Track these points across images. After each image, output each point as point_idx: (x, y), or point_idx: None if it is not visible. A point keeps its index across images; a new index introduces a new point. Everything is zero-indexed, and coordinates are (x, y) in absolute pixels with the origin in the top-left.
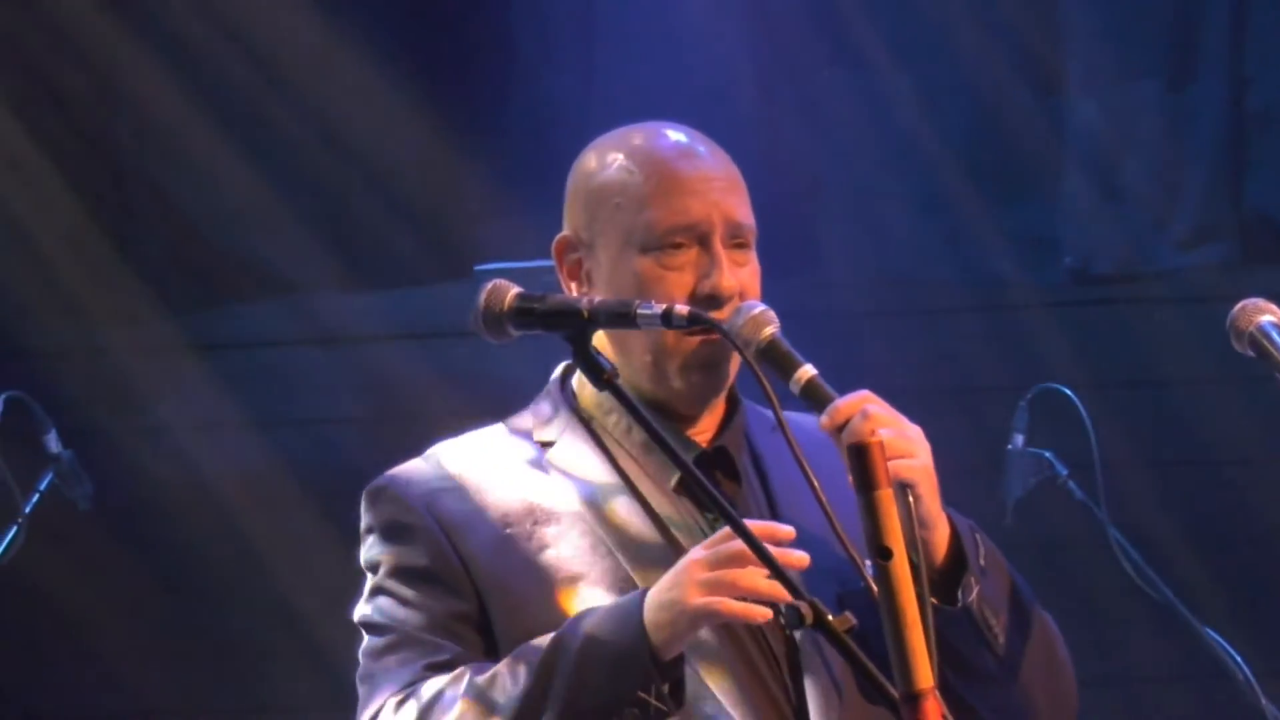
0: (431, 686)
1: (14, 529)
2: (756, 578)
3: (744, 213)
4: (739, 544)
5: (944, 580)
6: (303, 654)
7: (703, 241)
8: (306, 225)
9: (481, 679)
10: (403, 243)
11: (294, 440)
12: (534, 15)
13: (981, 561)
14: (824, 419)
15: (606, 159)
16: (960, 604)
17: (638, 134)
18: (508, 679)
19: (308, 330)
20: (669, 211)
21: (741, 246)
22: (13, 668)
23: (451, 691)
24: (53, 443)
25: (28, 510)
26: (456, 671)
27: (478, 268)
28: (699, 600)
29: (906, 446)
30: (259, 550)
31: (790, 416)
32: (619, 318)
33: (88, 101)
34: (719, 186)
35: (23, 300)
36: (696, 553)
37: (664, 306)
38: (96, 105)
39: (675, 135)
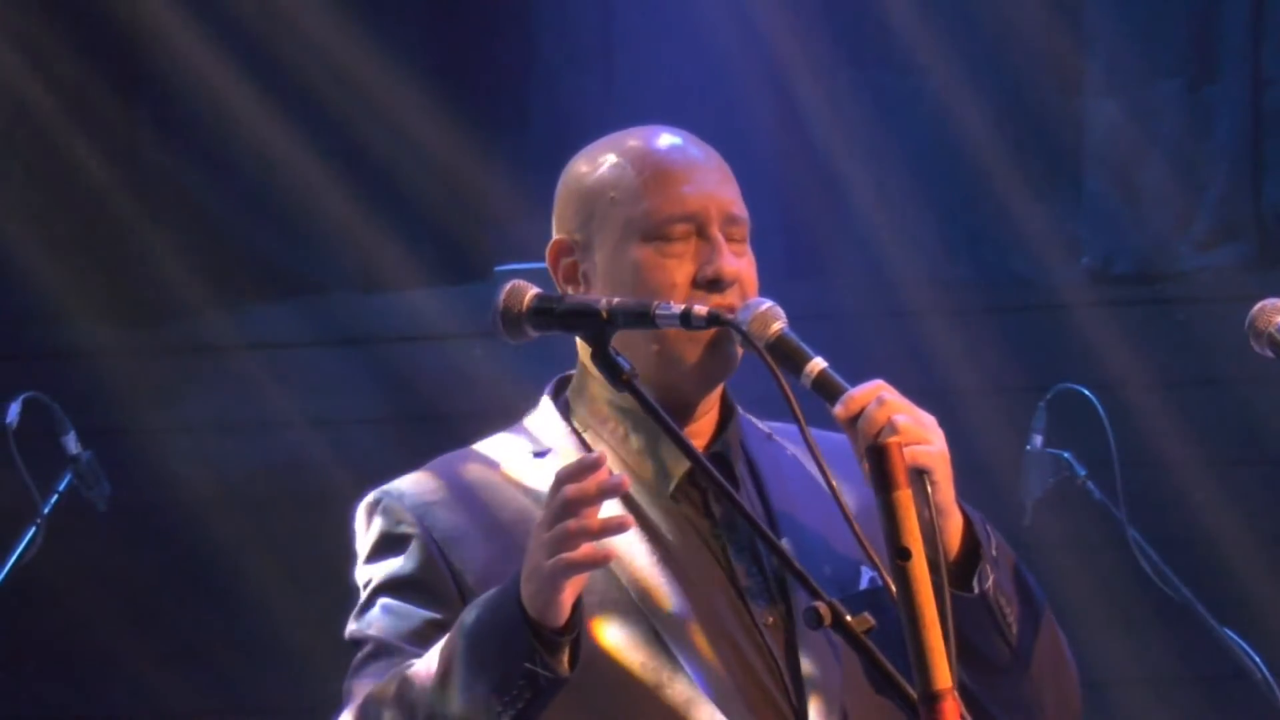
0: (378, 691)
1: (32, 529)
2: (583, 521)
3: (739, 205)
4: (562, 495)
5: (958, 570)
6: (321, 655)
7: (700, 231)
8: (326, 226)
9: (408, 674)
10: (423, 243)
11: (313, 441)
12: (555, 17)
13: (994, 552)
14: (838, 408)
15: (598, 160)
16: (977, 591)
17: (628, 136)
18: (423, 671)
19: (328, 331)
20: (665, 200)
21: (737, 240)
22: (30, 668)
23: (387, 692)
24: (71, 443)
25: (46, 511)
26: (395, 670)
27: (498, 268)
28: (547, 562)
29: (922, 433)
30: (277, 551)
31: (787, 429)
32: (638, 318)
33: (109, 103)
34: (713, 178)
35: (42, 301)
36: (538, 517)
37: (682, 307)
38: (118, 107)
39: (666, 134)
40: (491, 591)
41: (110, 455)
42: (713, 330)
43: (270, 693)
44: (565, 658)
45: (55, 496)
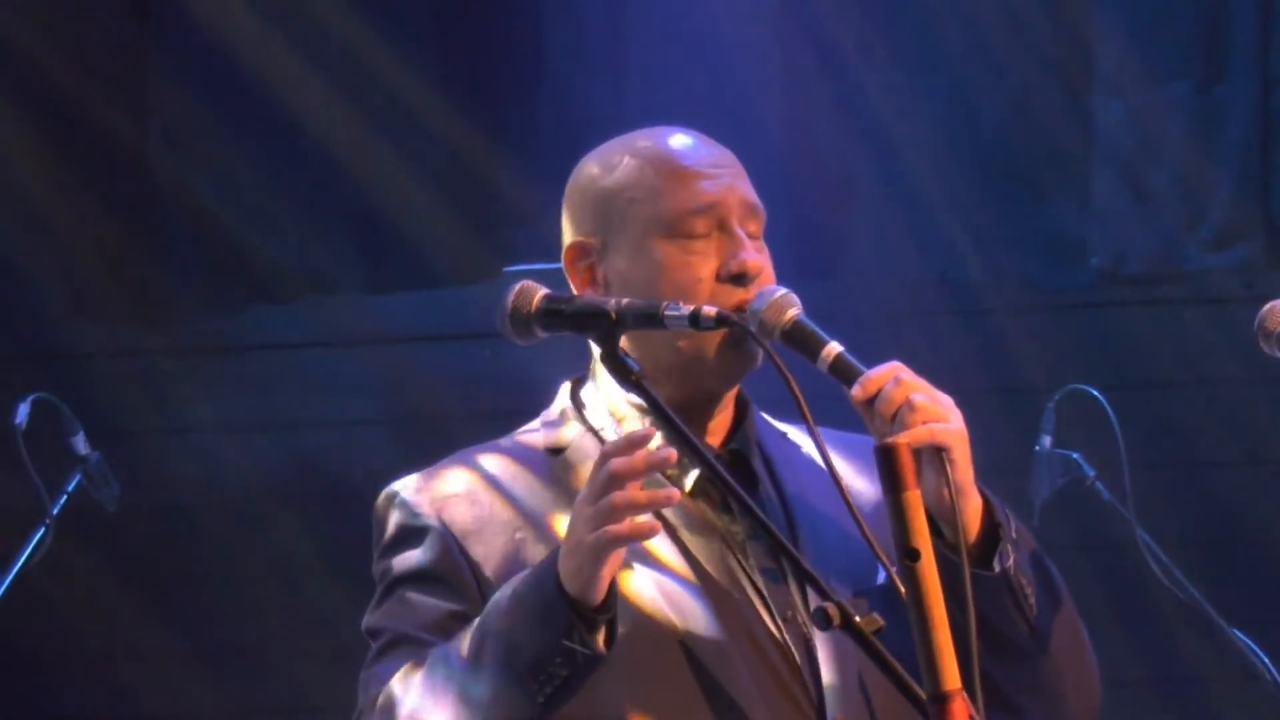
0: (405, 674)
1: (41, 530)
2: (630, 494)
3: (755, 197)
4: (606, 470)
5: (978, 551)
6: (329, 655)
7: (721, 225)
8: (336, 227)
9: (437, 655)
10: (432, 244)
11: (322, 441)
12: (564, 19)
13: (1014, 534)
14: (856, 390)
15: (611, 162)
16: (998, 570)
17: (639, 137)
18: (456, 650)
19: (337, 332)
20: (686, 196)
21: (754, 235)
22: (39, 668)
23: (415, 674)
24: (80, 444)
25: (55, 511)
26: (422, 653)
27: (506, 269)
28: (590, 536)
29: (940, 411)
30: (285, 551)
31: (802, 429)
32: (647, 319)
33: (118, 104)
34: (729, 173)
35: (51, 303)
36: (581, 492)
37: (691, 308)
38: (127, 108)
39: (678, 133)
40: (525, 571)
41: (119, 456)
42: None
43: (280, 692)
44: (602, 636)
45: (64, 497)
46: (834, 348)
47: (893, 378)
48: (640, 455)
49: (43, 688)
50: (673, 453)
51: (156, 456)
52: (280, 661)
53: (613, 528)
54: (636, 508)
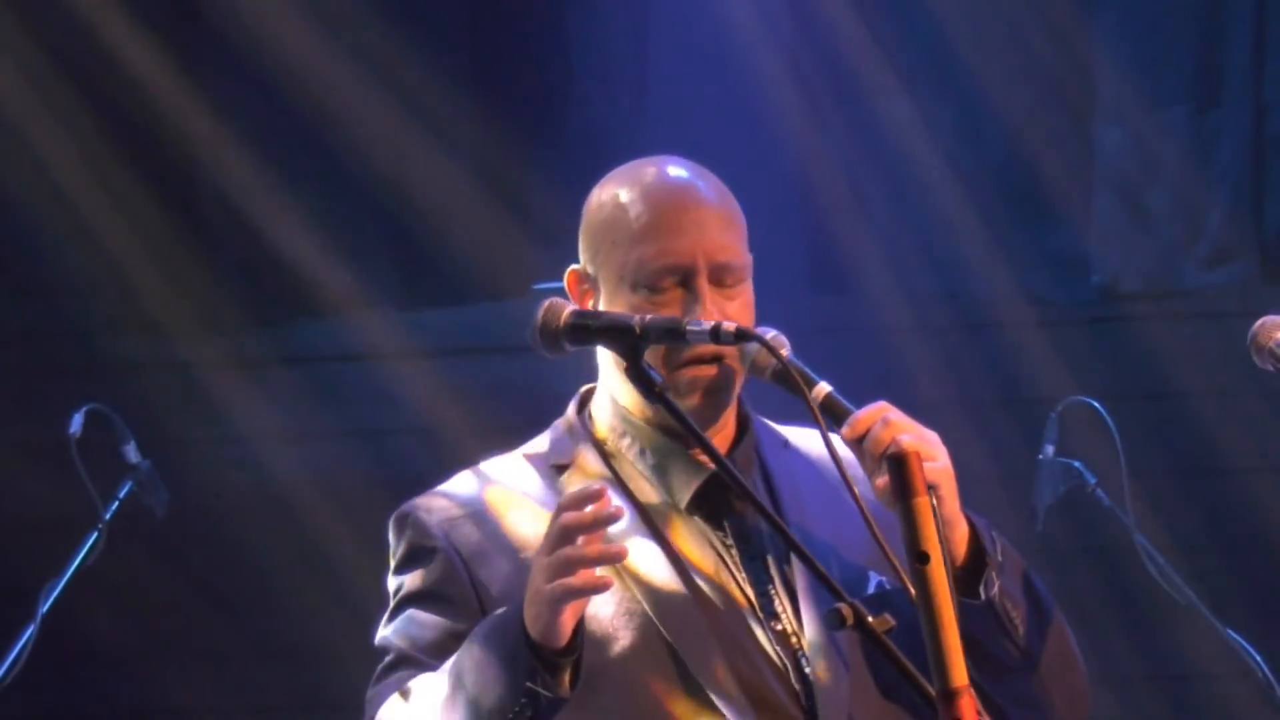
0: (391, 707)
1: (95, 535)
2: (581, 548)
3: (731, 253)
4: (560, 523)
5: (965, 577)
6: (363, 656)
7: (686, 281)
8: (373, 245)
9: (420, 690)
10: (464, 262)
11: (361, 450)
12: (590, 41)
13: (999, 558)
14: (845, 430)
15: (610, 194)
16: (984, 597)
17: (644, 169)
18: (433, 687)
19: (374, 344)
20: (655, 252)
21: (729, 284)
22: (92, 668)
23: (399, 709)
24: (131, 453)
25: (108, 517)
26: (409, 685)
27: (535, 286)
28: (546, 588)
29: (927, 450)
30: (328, 556)
31: (804, 433)
32: (669, 334)
33: (169, 122)
34: (709, 228)
35: (104, 315)
36: (540, 544)
37: (712, 324)
38: (177, 125)
39: (676, 172)
40: (498, 612)
41: (169, 464)
42: (710, 377)
43: (327, 691)
44: (566, 678)
45: (116, 503)
46: (823, 388)
47: (880, 418)
48: (589, 511)
49: (95, 686)
50: (620, 509)
51: (204, 465)
52: (325, 662)
53: (565, 580)
54: (586, 562)
